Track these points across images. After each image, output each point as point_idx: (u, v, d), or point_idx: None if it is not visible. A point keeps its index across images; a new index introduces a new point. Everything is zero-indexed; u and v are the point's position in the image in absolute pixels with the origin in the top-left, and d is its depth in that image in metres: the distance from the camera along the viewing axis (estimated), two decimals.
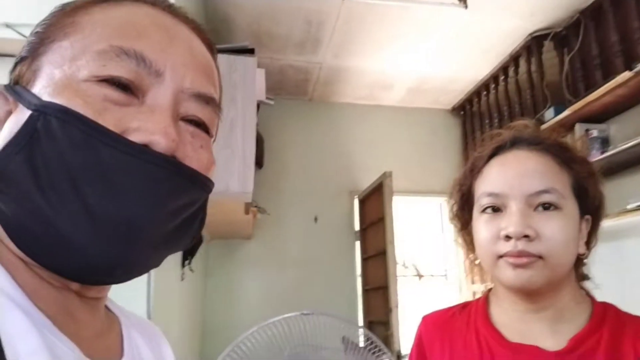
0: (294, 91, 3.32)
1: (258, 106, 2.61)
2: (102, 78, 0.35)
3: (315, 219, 3.22)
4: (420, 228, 3.59)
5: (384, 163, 3.14)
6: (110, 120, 0.34)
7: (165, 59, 0.38)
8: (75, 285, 0.38)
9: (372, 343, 1.66)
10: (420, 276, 3.52)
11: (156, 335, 0.52)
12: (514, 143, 0.71)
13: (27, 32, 1.53)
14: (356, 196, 3.32)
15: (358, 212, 3.31)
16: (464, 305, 0.79)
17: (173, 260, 1.82)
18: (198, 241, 2.10)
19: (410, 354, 0.80)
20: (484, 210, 0.69)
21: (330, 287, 3.13)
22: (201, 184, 0.40)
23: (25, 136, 0.34)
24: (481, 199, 0.70)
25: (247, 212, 2.32)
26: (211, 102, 0.42)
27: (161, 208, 0.36)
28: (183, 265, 2.01)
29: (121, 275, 0.37)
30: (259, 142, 3.04)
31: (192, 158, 0.39)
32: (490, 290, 0.78)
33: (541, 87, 2.69)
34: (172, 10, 0.42)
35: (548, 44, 2.69)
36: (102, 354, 0.39)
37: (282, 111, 3.31)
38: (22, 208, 0.34)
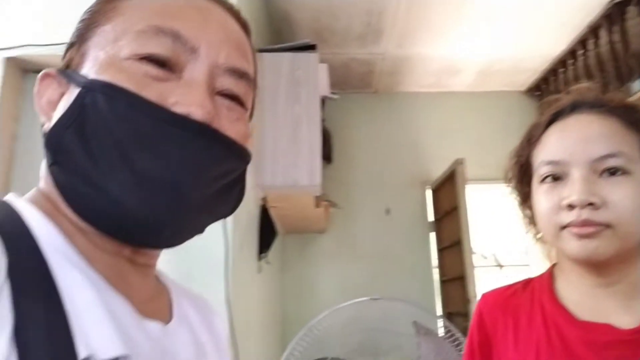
0: (358, 84, 3.32)
1: (323, 102, 2.65)
2: (141, 56, 0.38)
3: (387, 211, 3.20)
4: (499, 216, 3.44)
5: (455, 151, 3.05)
6: (151, 94, 0.38)
7: (200, 36, 0.41)
8: (127, 251, 0.41)
9: (450, 333, 1.63)
10: (500, 266, 3.38)
11: (206, 307, 0.55)
12: (575, 107, 0.67)
13: None
14: (428, 186, 3.25)
15: (432, 202, 3.24)
16: (527, 282, 0.76)
17: (249, 253, 1.91)
18: (272, 235, 2.19)
19: (470, 334, 0.77)
20: (543, 180, 0.66)
21: (405, 279, 3.10)
22: (239, 153, 0.43)
23: (74, 112, 0.38)
24: (540, 168, 0.67)
25: (317, 205, 2.37)
26: (245, 76, 0.44)
27: (201, 173, 0.38)
28: (259, 259, 2.10)
29: (169, 237, 0.40)
30: (327, 137, 3.08)
31: (229, 130, 0.41)
32: (554, 265, 0.74)
33: (625, 58, 2.47)
34: None
35: (632, 10, 2.46)
36: (153, 315, 0.42)
37: (349, 105, 3.33)
38: (78, 176, 0.37)
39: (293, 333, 2.89)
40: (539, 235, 0.72)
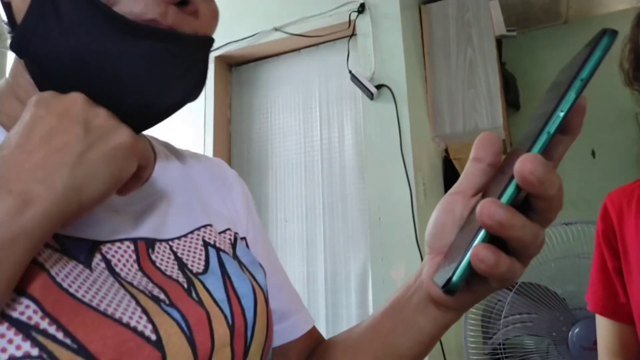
0: (543, 18, 2.99)
1: (500, 43, 2.49)
2: None
3: (593, 154, 2.84)
4: None
5: None
6: None
7: None
8: None
9: None
10: None
11: (219, 167, 0.58)
12: None
13: (292, 30, 1.91)
14: None
15: None
16: None
17: (436, 190, 1.95)
18: (453, 176, 2.19)
19: (597, 228, 0.81)
20: None
21: None
22: (200, 45, 0.42)
23: (34, 12, 0.36)
24: None
25: (504, 151, 2.25)
26: None
27: (153, 69, 0.38)
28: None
29: (139, 125, 0.41)
30: (511, 81, 2.88)
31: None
32: None
33: None
34: None
35: None
36: None
37: (534, 44, 3.04)
38: (47, 84, 0.37)
39: None
40: None
